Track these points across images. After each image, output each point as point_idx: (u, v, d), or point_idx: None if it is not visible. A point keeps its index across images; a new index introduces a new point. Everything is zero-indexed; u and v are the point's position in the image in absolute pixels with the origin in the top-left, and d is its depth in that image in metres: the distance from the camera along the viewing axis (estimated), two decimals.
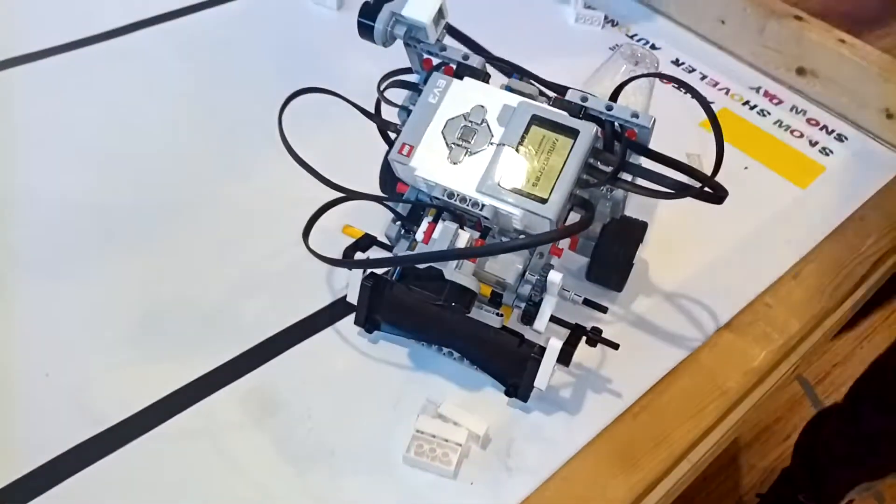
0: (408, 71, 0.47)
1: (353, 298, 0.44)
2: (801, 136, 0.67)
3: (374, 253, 0.45)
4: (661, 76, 0.44)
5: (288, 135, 0.42)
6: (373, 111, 0.45)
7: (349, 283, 0.44)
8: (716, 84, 0.71)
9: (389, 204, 0.44)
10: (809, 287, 0.52)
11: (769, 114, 0.69)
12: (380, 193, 0.50)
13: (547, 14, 0.76)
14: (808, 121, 0.68)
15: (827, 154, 0.65)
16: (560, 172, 0.39)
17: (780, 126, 0.67)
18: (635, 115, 0.40)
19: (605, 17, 0.76)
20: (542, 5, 0.77)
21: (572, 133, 0.40)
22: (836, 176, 0.63)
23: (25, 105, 0.61)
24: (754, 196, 0.59)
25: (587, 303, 0.43)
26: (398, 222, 0.44)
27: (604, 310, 0.44)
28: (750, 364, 0.47)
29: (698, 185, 0.39)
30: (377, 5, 0.41)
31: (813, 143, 0.66)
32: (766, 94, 0.71)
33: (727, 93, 0.71)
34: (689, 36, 0.75)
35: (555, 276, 0.41)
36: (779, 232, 0.57)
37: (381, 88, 0.44)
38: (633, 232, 0.48)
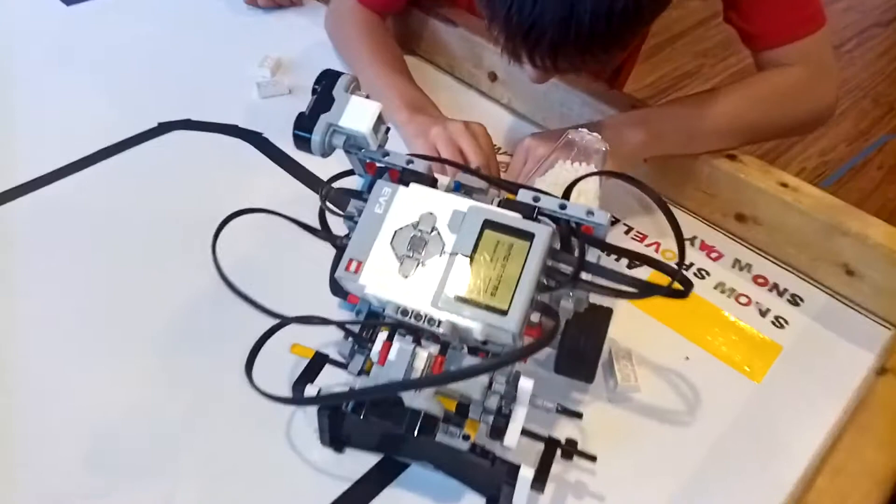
0: (351, 173, 0.45)
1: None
2: (749, 302, 0.53)
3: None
4: (609, 174, 0.43)
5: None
6: (318, 220, 0.43)
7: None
8: (643, 238, 0.57)
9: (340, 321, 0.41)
10: None
11: (708, 274, 0.55)
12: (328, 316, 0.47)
13: None
14: (755, 279, 0.55)
15: (781, 326, 0.52)
16: (518, 280, 0.37)
17: (722, 291, 0.54)
18: (590, 213, 0.38)
19: None
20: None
21: (527, 236, 0.38)
22: (796, 358, 0.50)
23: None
24: (698, 398, 0.47)
25: (561, 411, 0.41)
26: (350, 338, 0.41)
27: (579, 416, 0.42)
28: None
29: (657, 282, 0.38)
30: (312, 117, 0.39)
31: (764, 313, 0.53)
32: (702, 245, 0.58)
33: (657, 249, 0.57)
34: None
35: (526, 383, 0.38)
36: (731, 455, 0.44)
37: (324, 196, 0.42)
38: (598, 322, 0.45)
